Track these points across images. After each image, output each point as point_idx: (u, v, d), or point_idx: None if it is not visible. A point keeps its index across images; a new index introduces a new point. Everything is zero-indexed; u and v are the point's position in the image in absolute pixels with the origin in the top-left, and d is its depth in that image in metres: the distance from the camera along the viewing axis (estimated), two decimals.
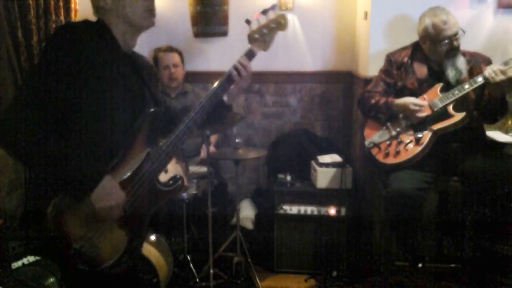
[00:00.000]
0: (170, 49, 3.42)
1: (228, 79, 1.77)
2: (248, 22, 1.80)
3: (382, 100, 2.81)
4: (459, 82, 2.69)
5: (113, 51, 1.60)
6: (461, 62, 2.68)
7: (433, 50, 2.71)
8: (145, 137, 1.63)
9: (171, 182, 1.74)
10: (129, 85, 1.63)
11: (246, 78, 1.79)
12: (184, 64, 3.50)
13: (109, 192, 1.52)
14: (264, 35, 1.79)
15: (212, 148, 3.31)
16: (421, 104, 2.68)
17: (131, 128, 1.60)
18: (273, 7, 1.83)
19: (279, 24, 1.80)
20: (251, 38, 1.81)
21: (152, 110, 1.66)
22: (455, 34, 2.63)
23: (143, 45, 3.77)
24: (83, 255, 1.56)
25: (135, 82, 1.67)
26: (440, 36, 2.64)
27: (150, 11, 1.64)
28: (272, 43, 1.83)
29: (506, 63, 2.51)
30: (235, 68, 1.77)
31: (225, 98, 1.85)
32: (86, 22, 1.62)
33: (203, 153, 3.39)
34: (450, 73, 2.70)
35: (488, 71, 2.51)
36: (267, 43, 1.81)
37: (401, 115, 2.76)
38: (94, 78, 1.52)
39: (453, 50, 2.67)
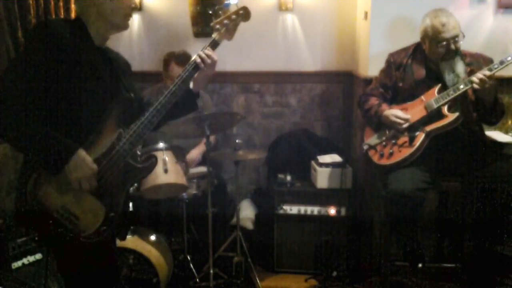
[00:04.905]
0: (183, 62, 3.08)
1: (193, 67, 1.93)
2: (211, 14, 1.97)
3: (373, 109, 2.83)
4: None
5: (85, 45, 1.78)
6: (459, 66, 2.66)
7: (432, 51, 2.70)
8: (118, 120, 1.81)
9: (144, 159, 1.90)
10: (101, 75, 1.80)
11: (210, 66, 1.95)
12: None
13: (81, 164, 1.71)
14: (226, 25, 1.95)
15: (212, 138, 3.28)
16: (403, 117, 2.69)
17: (104, 112, 1.79)
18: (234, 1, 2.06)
19: (240, 15, 1.97)
20: (214, 29, 1.97)
21: (122, 96, 1.86)
22: (454, 37, 2.61)
23: (144, 45, 3.73)
24: (63, 224, 1.74)
25: (107, 72, 1.84)
26: (438, 37, 2.62)
27: (129, 15, 1.87)
28: (235, 32, 1.99)
29: (490, 69, 2.51)
30: (200, 56, 1.93)
31: (191, 86, 2.02)
32: (63, 20, 1.89)
33: (198, 150, 3.41)
34: (447, 76, 2.68)
35: (474, 78, 2.51)
36: (230, 32, 1.98)
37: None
38: (67, 68, 1.70)
39: (451, 53, 2.64)
